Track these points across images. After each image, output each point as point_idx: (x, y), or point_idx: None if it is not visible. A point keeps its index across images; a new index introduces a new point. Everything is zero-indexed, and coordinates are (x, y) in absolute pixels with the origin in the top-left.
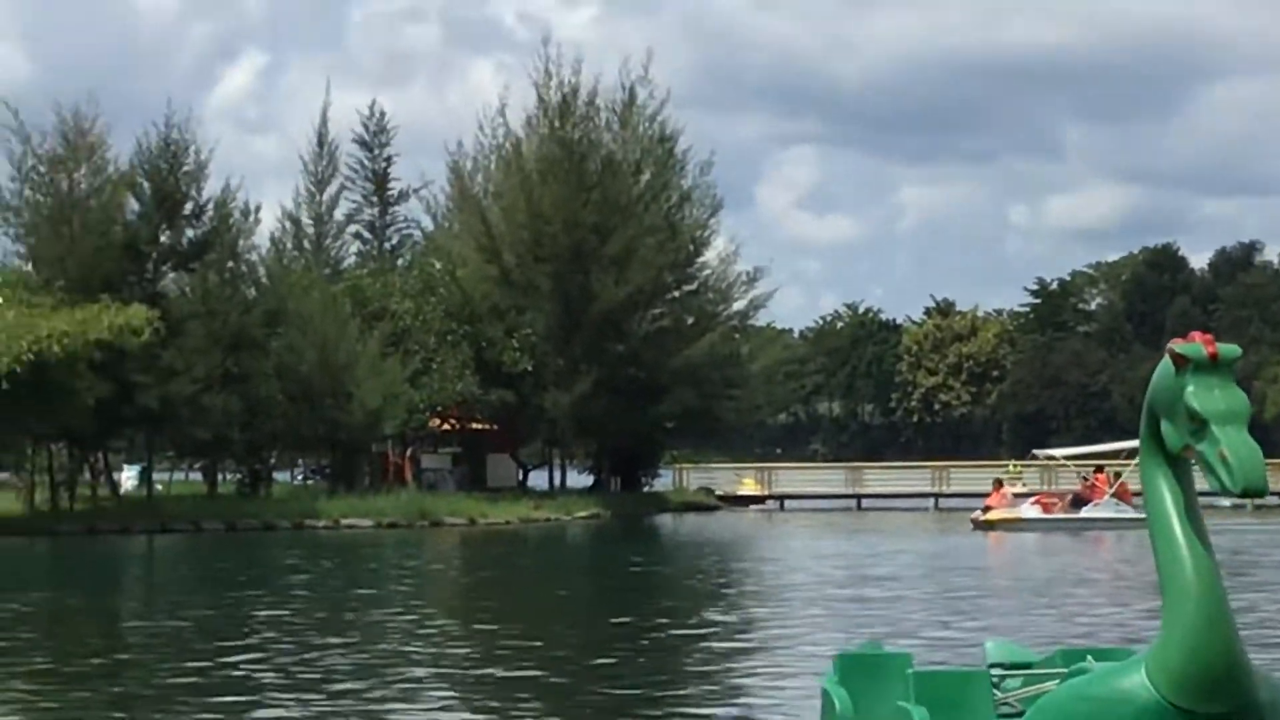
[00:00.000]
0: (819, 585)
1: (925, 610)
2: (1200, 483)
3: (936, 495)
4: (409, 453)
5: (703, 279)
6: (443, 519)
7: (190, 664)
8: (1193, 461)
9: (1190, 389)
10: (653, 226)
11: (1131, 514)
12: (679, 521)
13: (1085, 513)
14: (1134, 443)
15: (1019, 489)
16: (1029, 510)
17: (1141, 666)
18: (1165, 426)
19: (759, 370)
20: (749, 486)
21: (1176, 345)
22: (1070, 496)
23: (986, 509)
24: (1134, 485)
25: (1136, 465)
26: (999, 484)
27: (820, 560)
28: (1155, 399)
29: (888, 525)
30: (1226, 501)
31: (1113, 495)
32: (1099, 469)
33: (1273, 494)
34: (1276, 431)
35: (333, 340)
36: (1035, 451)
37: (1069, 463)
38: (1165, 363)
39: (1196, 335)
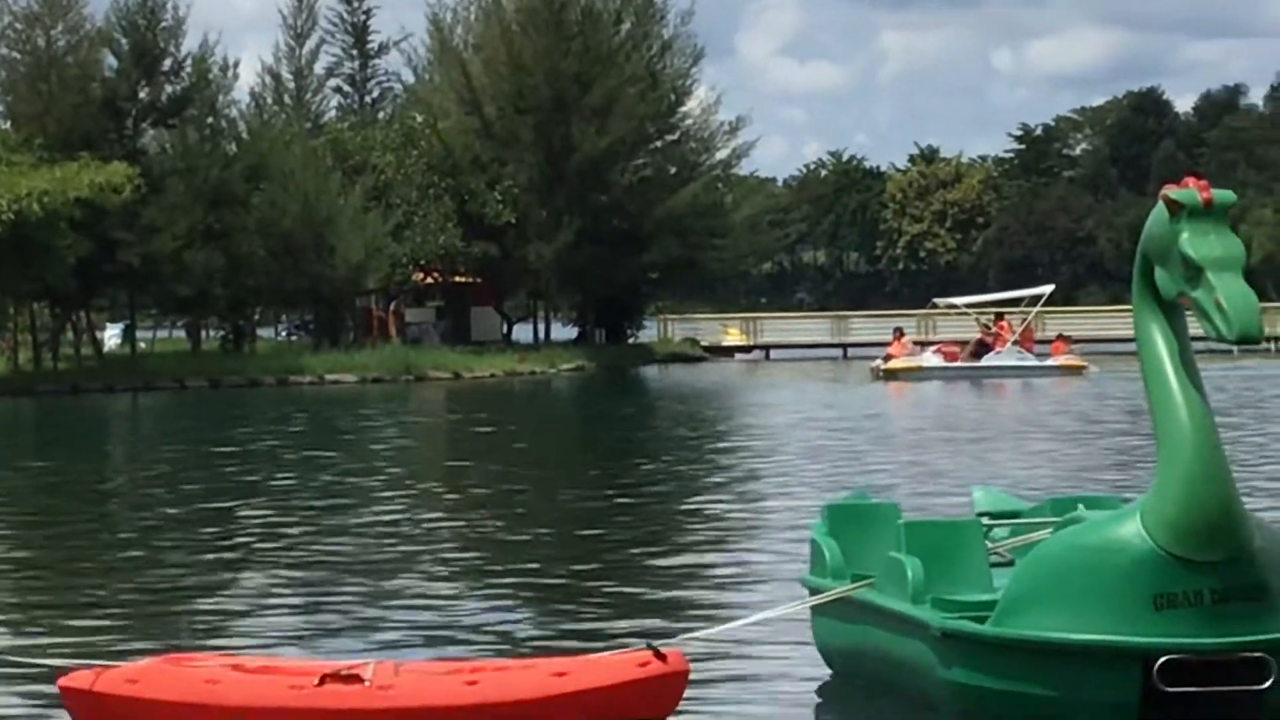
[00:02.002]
0: (804, 435)
1: (901, 461)
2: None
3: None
4: (392, 307)
5: (684, 129)
6: (427, 373)
7: (182, 518)
8: (1187, 309)
9: (1185, 235)
10: (634, 76)
11: (1033, 362)
12: (664, 372)
13: (988, 361)
14: (1035, 290)
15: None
16: (931, 359)
17: (1136, 515)
18: (1159, 274)
19: (742, 220)
20: (734, 336)
21: (1171, 191)
22: (973, 345)
23: (888, 358)
24: (1036, 334)
25: (1039, 312)
26: (900, 333)
27: (804, 410)
28: (1149, 245)
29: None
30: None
31: (1015, 343)
32: (1000, 317)
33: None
34: (1263, 275)
35: (314, 195)
36: (935, 300)
37: (970, 310)
38: (1159, 209)
39: (1191, 180)
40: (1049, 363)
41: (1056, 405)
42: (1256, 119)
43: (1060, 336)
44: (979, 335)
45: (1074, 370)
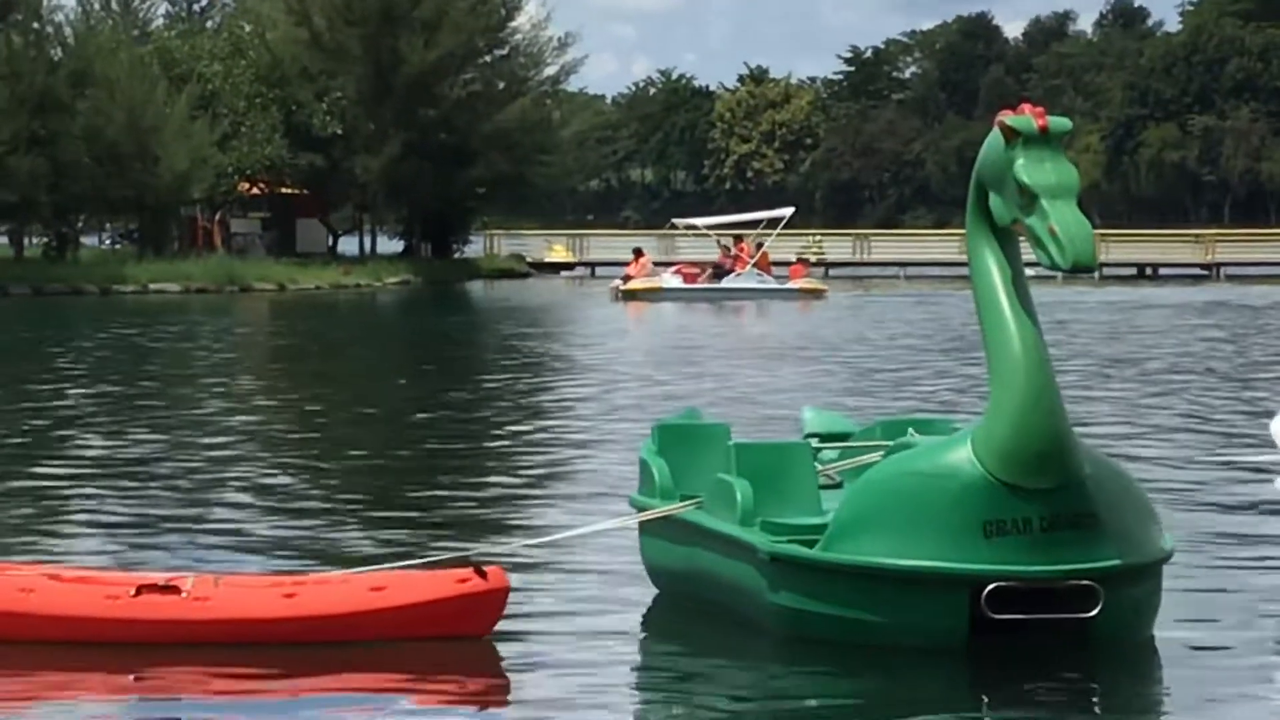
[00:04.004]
0: (629, 354)
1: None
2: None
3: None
4: (218, 217)
5: (514, 44)
6: (251, 284)
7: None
8: (1021, 236)
9: (1020, 162)
10: None
11: (773, 284)
12: (490, 288)
13: (727, 283)
14: (774, 213)
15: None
16: (670, 280)
17: (968, 441)
18: (994, 200)
19: (571, 136)
20: (558, 253)
21: (1007, 117)
22: (712, 267)
23: (627, 279)
24: (774, 256)
25: (778, 235)
26: (639, 253)
27: (628, 328)
28: (984, 172)
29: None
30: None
31: (754, 265)
32: (739, 239)
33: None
34: (1088, 203)
35: (140, 103)
36: (675, 220)
37: (710, 232)
38: (994, 135)
39: (1027, 107)
40: (788, 286)
41: (811, 327)
42: (1084, 46)
43: (799, 259)
44: (718, 257)
45: (813, 294)
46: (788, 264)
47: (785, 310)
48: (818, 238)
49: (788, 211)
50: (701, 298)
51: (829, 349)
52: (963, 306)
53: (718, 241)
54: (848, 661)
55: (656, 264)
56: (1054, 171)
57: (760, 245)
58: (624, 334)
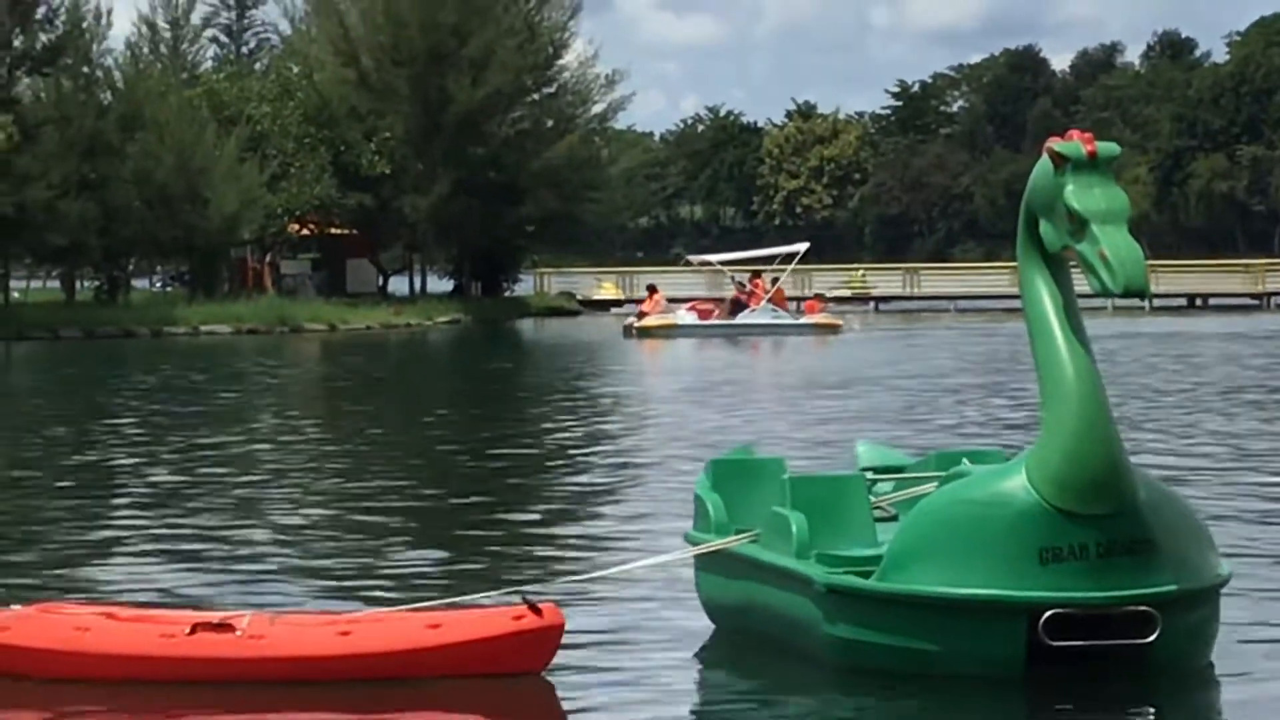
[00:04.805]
0: (679, 391)
1: (783, 415)
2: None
3: (798, 299)
4: (268, 258)
5: (562, 82)
6: (302, 325)
7: (52, 468)
8: (1072, 262)
9: (1069, 188)
10: (511, 29)
11: (788, 320)
12: (540, 326)
13: (742, 319)
14: (789, 249)
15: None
16: (685, 316)
17: (1022, 469)
18: (1044, 227)
19: (619, 173)
20: (608, 290)
21: (1055, 144)
22: (728, 303)
23: (641, 315)
24: (818, 289)
25: (793, 270)
26: (653, 289)
27: (653, 366)
28: (1033, 199)
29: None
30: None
31: (769, 301)
32: (756, 274)
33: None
34: (1137, 234)
35: (189, 145)
36: (690, 257)
37: (725, 268)
38: (1043, 162)
39: (1075, 134)
40: (804, 321)
41: (837, 361)
42: (1132, 78)
43: (816, 295)
44: (734, 293)
45: (829, 328)
46: (804, 299)
47: (801, 345)
48: (862, 271)
49: (802, 247)
50: (716, 334)
51: (862, 382)
52: (1008, 338)
53: (732, 278)
54: (905, 692)
55: (674, 300)
56: (1103, 197)
57: (775, 280)
58: (657, 372)
